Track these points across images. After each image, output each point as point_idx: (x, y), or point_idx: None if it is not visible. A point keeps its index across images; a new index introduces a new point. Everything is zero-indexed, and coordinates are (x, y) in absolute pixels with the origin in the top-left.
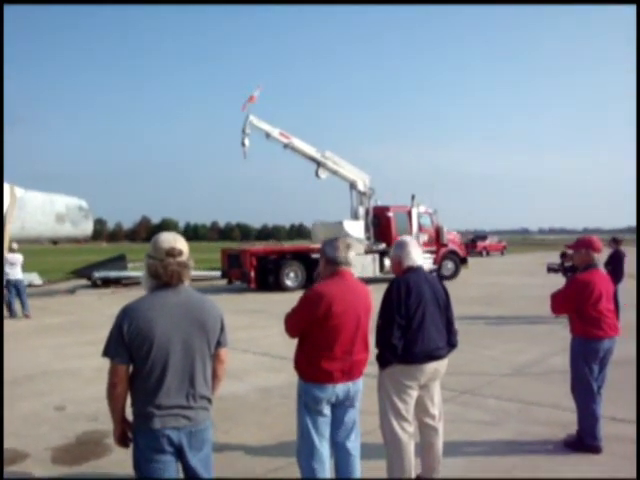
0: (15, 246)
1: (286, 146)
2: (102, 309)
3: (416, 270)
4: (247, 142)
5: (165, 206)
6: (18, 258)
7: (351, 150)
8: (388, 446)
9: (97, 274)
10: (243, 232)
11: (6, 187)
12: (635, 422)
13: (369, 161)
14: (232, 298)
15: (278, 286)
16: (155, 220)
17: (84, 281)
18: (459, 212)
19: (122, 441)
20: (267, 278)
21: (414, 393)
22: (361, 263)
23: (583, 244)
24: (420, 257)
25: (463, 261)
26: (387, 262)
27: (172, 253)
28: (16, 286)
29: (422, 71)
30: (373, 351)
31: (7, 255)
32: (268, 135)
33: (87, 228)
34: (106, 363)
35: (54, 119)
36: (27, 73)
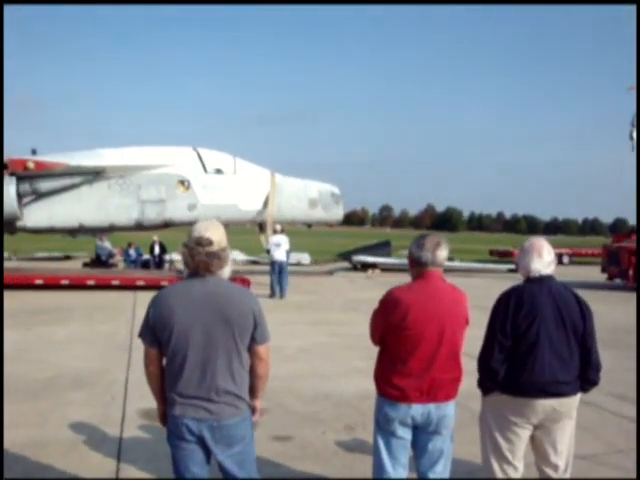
0: (278, 227)
1: None
2: (346, 292)
3: (538, 281)
4: (635, 135)
5: (451, 195)
6: (283, 239)
7: None
8: None
9: (356, 258)
10: (530, 224)
11: (267, 174)
12: None
13: None
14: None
15: None
16: (440, 208)
17: (347, 264)
18: None
19: (163, 420)
20: None
21: (522, 432)
22: None
23: None
24: (546, 265)
25: None
26: None
27: (200, 242)
28: (280, 266)
29: None
30: (473, 373)
31: (273, 237)
32: None
33: (338, 213)
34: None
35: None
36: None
